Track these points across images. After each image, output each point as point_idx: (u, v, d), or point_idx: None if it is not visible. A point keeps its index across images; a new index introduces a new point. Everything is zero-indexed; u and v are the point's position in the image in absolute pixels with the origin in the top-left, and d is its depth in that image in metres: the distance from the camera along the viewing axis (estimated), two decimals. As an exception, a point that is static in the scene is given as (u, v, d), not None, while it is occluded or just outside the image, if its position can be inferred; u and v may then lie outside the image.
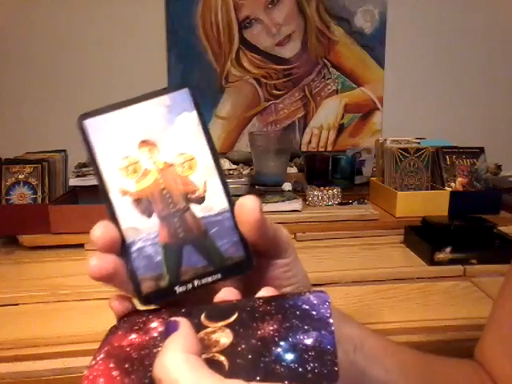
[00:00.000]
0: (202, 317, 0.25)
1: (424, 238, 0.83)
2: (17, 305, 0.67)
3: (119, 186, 0.28)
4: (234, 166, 1.42)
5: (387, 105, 1.60)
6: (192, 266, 0.28)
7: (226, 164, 1.41)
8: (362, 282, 0.73)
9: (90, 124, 0.28)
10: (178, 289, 0.28)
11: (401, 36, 1.57)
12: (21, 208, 0.90)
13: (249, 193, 1.11)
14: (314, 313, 0.24)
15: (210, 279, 0.28)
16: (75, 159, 1.18)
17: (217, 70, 1.50)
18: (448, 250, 0.78)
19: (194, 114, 0.28)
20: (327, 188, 1.06)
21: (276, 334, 0.23)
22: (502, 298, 0.44)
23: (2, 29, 1.42)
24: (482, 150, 1.07)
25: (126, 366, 0.23)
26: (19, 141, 1.30)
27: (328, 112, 1.58)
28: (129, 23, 1.46)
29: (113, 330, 0.26)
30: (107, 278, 0.26)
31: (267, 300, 0.26)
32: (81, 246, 0.88)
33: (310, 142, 1.59)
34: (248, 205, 0.27)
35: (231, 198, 0.29)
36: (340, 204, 1.05)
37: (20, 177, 0.92)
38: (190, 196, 0.28)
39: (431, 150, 1.04)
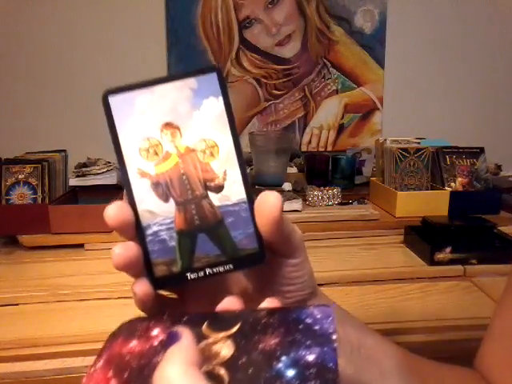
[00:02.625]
0: (204, 326, 0.25)
1: (424, 238, 0.83)
2: (17, 305, 0.67)
3: (139, 167, 0.28)
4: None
5: (387, 105, 1.60)
6: (205, 254, 0.28)
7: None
8: (361, 282, 0.73)
9: (115, 100, 0.28)
10: (190, 275, 0.28)
11: (401, 36, 1.57)
12: (21, 208, 0.90)
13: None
14: (317, 327, 0.24)
15: (221, 269, 0.28)
16: (75, 159, 1.18)
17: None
18: (448, 249, 0.78)
19: (221, 99, 0.28)
20: (327, 188, 1.06)
21: (278, 348, 0.22)
22: (502, 308, 0.43)
23: (2, 29, 1.42)
24: (482, 150, 1.07)
25: (125, 375, 0.22)
26: (19, 141, 1.30)
27: (328, 112, 1.58)
28: (129, 23, 1.46)
29: (113, 336, 0.26)
30: (129, 267, 0.27)
31: (270, 312, 0.26)
32: (81, 246, 0.88)
33: (309, 142, 1.59)
34: (270, 201, 0.27)
35: (250, 189, 0.28)
36: (340, 204, 1.05)
37: (20, 177, 0.92)
38: (209, 184, 0.28)
39: (431, 150, 1.04)
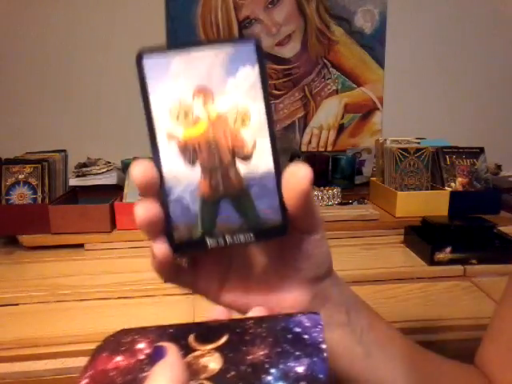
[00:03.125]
0: (191, 338, 0.24)
1: (424, 238, 0.83)
2: (17, 305, 0.68)
3: (168, 129, 0.27)
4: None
5: (387, 105, 1.60)
6: (227, 221, 0.28)
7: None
8: (361, 282, 0.73)
9: (149, 61, 0.27)
10: (210, 242, 0.28)
11: (401, 36, 1.57)
12: (21, 208, 0.90)
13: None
14: (307, 337, 0.23)
15: (242, 238, 0.28)
16: (75, 159, 1.18)
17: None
18: (448, 249, 0.78)
19: (257, 68, 0.27)
20: (327, 188, 1.06)
21: (267, 360, 0.22)
22: (503, 307, 0.43)
23: (2, 29, 1.42)
24: (482, 150, 1.07)
25: None
26: (19, 141, 1.30)
27: (328, 112, 1.58)
28: (129, 23, 1.46)
29: (98, 351, 0.25)
30: (152, 225, 0.27)
31: (258, 321, 0.25)
32: (81, 246, 0.88)
33: (309, 142, 1.59)
34: (300, 173, 0.26)
35: (279, 161, 0.28)
36: (340, 204, 1.05)
37: (20, 177, 0.92)
38: (238, 152, 0.27)
39: (431, 150, 1.04)
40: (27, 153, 1.05)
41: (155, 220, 0.27)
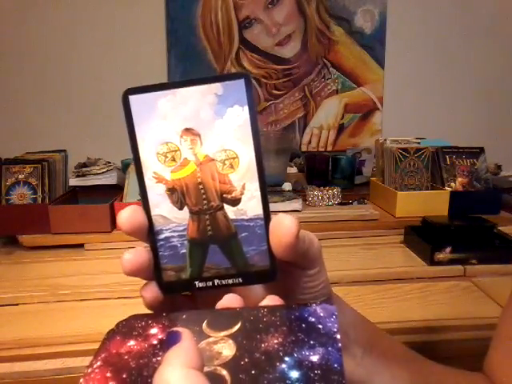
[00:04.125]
0: (204, 325, 0.24)
1: (424, 238, 0.83)
2: (17, 305, 0.67)
3: (155, 171, 0.27)
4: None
5: (387, 105, 1.60)
6: (215, 265, 0.28)
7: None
8: (361, 282, 0.73)
9: (135, 100, 0.27)
10: (198, 284, 0.28)
11: (401, 36, 1.57)
12: (21, 208, 0.90)
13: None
14: (321, 326, 0.23)
15: (230, 281, 0.28)
16: (75, 159, 1.18)
17: (217, 70, 1.49)
18: (448, 249, 0.78)
19: (246, 108, 0.26)
20: (327, 188, 1.06)
21: (281, 349, 0.22)
22: (509, 312, 0.43)
23: (2, 29, 1.42)
24: (482, 150, 1.07)
25: (124, 376, 0.22)
26: (19, 141, 1.30)
27: (328, 112, 1.58)
28: (129, 23, 1.46)
29: (110, 335, 0.25)
30: (139, 272, 0.27)
31: (272, 310, 0.25)
32: (81, 246, 0.88)
33: (309, 142, 1.59)
34: (285, 225, 0.26)
35: (268, 206, 0.27)
36: (340, 204, 1.05)
37: (20, 177, 0.92)
38: (226, 196, 0.27)
39: (431, 150, 1.04)
40: (27, 153, 1.05)
41: (142, 267, 0.27)
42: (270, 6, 1.48)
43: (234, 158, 0.27)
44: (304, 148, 1.58)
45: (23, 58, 1.44)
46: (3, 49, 1.43)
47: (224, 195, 0.27)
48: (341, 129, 1.59)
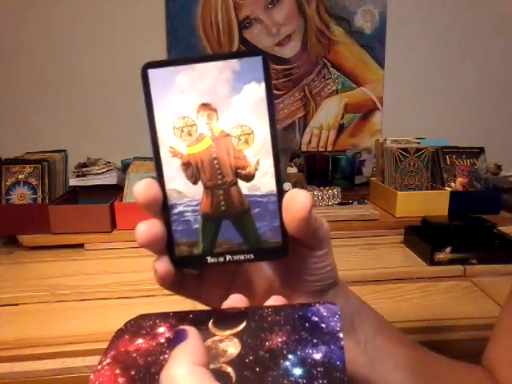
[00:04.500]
0: (210, 324, 0.25)
1: (424, 238, 0.83)
2: (17, 305, 0.67)
3: (171, 145, 0.27)
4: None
5: (387, 105, 1.60)
6: (227, 240, 0.28)
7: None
8: (361, 282, 0.73)
9: (154, 74, 0.27)
10: (210, 259, 0.28)
11: (401, 36, 1.57)
12: (21, 208, 0.90)
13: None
14: (324, 325, 0.24)
15: (242, 257, 0.28)
16: (75, 159, 1.18)
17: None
18: (448, 250, 0.78)
19: (263, 86, 0.27)
20: (327, 188, 1.06)
21: (284, 347, 0.22)
22: (509, 307, 0.43)
23: (2, 29, 1.42)
24: (482, 150, 1.07)
25: (132, 372, 0.22)
26: (19, 141, 1.30)
27: (328, 112, 1.58)
28: (129, 23, 1.46)
29: (119, 334, 0.26)
30: (152, 244, 0.27)
31: (276, 309, 0.26)
32: (81, 245, 0.88)
33: (309, 142, 1.59)
34: (299, 200, 0.26)
35: (282, 182, 0.28)
36: (340, 204, 1.05)
37: (20, 177, 0.92)
38: (240, 171, 0.27)
39: (431, 150, 1.04)
40: (27, 153, 1.05)
41: (156, 239, 0.27)
42: (270, 6, 1.48)
43: (249, 134, 0.27)
44: (304, 148, 1.58)
45: (23, 57, 1.44)
46: (3, 49, 1.43)
47: (238, 171, 0.27)
48: (341, 129, 1.59)
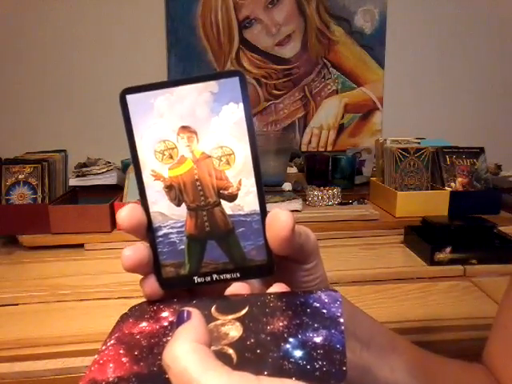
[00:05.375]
0: (213, 309, 0.25)
1: (424, 238, 0.83)
2: (17, 305, 0.67)
3: (153, 169, 0.28)
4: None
5: (387, 105, 1.60)
6: (213, 260, 0.28)
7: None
8: (361, 282, 0.73)
9: (133, 100, 0.27)
10: (197, 279, 0.28)
11: (401, 36, 1.57)
12: (21, 208, 0.90)
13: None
14: (325, 311, 0.24)
15: (228, 276, 0.28)
16: (75, 159, 1.18)
17: (217, 70, 1.49)
18: (448, 249, 0.78)
19: (241, 106, 0.27)
20: (327, 188, 1.06)
21: (285, 330, 0.23)
22: (507, 302, 0.43)
23: (2, 29, 1.42)
24: (482, 150, 1.07)
25: (136, 353, 0.23)
26: (19, 141, 1.30)
27: (328, 112, 1.58)
28: (129, 23, 1.46)
29: (124, 318, 0.26)
30: (139, 268, 0.27)
31: (278, 296, 0.26)
32: (81, 246, 0.88)
33: (309, 142, 1.59)
34: (281, 220, 0.26)
35: (264, 201, 0.28)
36: (340, 204, 1.05)
37: (20, 177, 0.92)
38: (223, 192, 0.28)
39: (431, 150, 1.04)
40: (27, 153, 1.05)
41: (142, 264, 0.27)
42: (269, 5, 1.48)
43: (230, 155, 0.27)
44: (304, 148, 1.58)
45: (23, 57, 1.44)
46: (3, 49, 1.43)
47: (221, 191, 0.28)
48: (341, 129, 1.59)
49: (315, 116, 1.57)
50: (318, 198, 1.04)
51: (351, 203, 1.06)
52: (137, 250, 0.27)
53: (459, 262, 0.78)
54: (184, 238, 0.28)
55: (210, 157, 0.27)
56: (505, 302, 0.44)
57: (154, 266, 0.28)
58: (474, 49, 1.61)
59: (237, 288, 0.28)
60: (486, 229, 0.84)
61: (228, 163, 0.27)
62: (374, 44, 1.55)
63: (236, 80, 0.27)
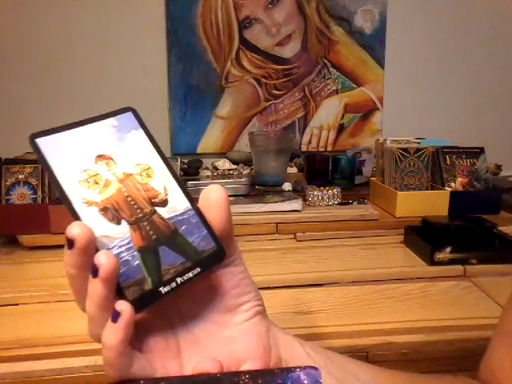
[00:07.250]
0: None
1: (424, 238, 0.83)
2: (17, 305, 0.67)
3: (83, 197, 0.28)
4: (234, 166, 1.42)
5: (387, 105, 1.60)
6: (171, 264, 0.29)
7: (226, 164, 1.41)
8: (361, 282, 0.73)
9: (43, 142, 0.28)
10: (163, 289, 0.28)
11: (401, 36, 1.57)
12: (21, 208, 0.90)
13: (249, 193, 1.11)
14: None
15: (191, 274, 0.29)
16: (75, 159, 1.18)
17: (217, 70, 1.49)
18: (448, 249, 0.78)
19: (141, 131, 0.31)
20: (327, 188, 1.06)
21: None
22: (510, 310, 0.42)
23: (2, 29, 1.42)
24: (482, 150, 1.07)
25: None
26: (19, 141, 1.30)
27: (328, 112, 1.58)
28: (129, 23, 1.46)
29: None
30: (115, 275, 0.26)
31: (253, 376, 0.24)
32: (81, 246, 0.88)
33: (310, 142, 1.59)
34: (213, 189, 0.30)
35: (191, 197, 0.31)
36: (340, 204, 1.05)
37: (20, 177, 0.92)
38: (154, 200, 0.30)
39: (431, 150, 1.04)
40: (27, 153, 1.05)
41: (117, 269, 0.26)
42: (269, 6, 1.48)
43: (148, 169, 0.31)
44: (304, 148, 1.58)
45: (23, 57, 1.44)
46: (3, 49, 1.43)
47: (153, 200, 0.30)
48: (341, 129, 1.59)
49: (315, 116, 1.57)
50: (318, 198, 1.04)
51: (351, 203, 1.06)
52: (110, 255, 0.26)
53: (459, 262, 0.78)
54: (135, 253, 0.28)
55: (131, 174, 0.30)
56: (507, 310, 0.42)
57: (116, 293, 0.27)
58: (474, 49, 1.61)
59: (206, 365, 0.26)
60: (485, 229, 0.84)
61: (149, 176, 0.31)
62: (374, 44, 1.55)
63: (130, 114, 0.32)
